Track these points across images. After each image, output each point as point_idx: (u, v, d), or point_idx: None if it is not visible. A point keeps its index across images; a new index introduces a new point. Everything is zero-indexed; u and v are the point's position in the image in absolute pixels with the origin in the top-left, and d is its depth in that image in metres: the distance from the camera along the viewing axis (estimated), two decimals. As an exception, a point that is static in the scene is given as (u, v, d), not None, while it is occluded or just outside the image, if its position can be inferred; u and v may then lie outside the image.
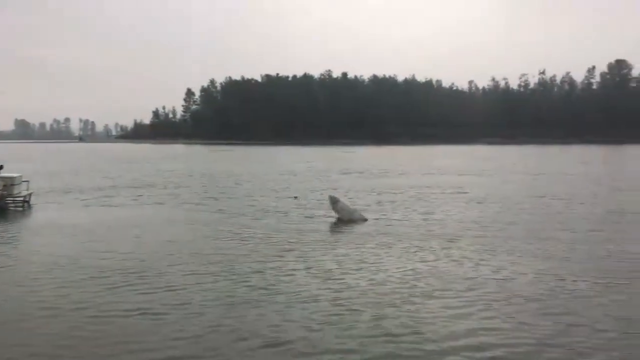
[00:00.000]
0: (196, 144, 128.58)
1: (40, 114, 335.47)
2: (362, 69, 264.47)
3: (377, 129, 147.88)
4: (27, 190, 17.33)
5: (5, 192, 16.14)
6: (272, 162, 47.85)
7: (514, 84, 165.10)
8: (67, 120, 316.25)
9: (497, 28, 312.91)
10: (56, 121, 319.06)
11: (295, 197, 15.62)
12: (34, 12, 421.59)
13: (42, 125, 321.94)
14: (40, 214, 15.45)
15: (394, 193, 20.42)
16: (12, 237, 12.11)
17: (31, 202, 17.19)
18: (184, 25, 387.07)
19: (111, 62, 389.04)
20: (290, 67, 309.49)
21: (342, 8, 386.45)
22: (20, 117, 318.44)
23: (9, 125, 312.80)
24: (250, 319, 6.48)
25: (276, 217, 14.18)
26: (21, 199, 16.76)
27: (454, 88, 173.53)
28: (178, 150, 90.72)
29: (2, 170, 16.73)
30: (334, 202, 14.04)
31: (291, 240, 11.21)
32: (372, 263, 9.23)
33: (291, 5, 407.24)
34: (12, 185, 16.45)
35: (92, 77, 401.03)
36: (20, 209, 16.47)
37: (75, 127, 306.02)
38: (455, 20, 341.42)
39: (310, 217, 14.27)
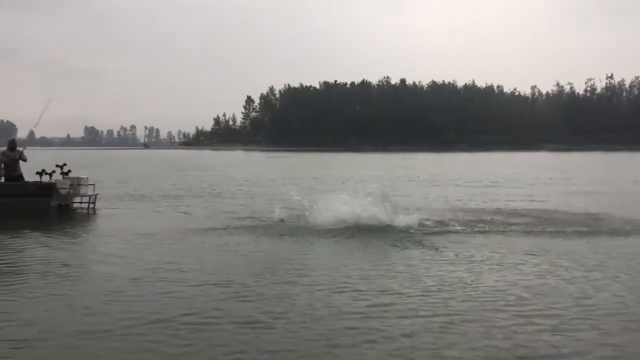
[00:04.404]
0: (255, 150, 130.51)
1: (108, 122, 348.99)
2: (421, 75, 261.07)
3: (435, 135, 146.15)
4: (93, 192, 17.90)
5: (71, 191, 16.71)
6: (336, 168, 47.85)
7: (579, 88, 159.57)
8: (133, 127, 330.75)
9: (562, 30, 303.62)
10: (123, 128, 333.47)
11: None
12: (91, 22, 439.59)
13: (110, 132, 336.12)
14: (109, 218, 15.72)
15: (469, 200, 19.94)
16: (82, 240, 12.62)
17: (97, 206, 17.67)
18: (243, 35, 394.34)
19: (174, 72, 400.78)
20: (349, 74, 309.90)
21: (399, 14, 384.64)
22: (89, 125, 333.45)
23: (79, 133, 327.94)
24: (355, 330, 6.35)
25: (367, 227, 13.37)
26: (87, 199, 17.35)
27: (516, 93, 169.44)
28: (238, 156, 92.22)
29: (69, 173, 17.27)
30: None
31: (380, 251, 11.02)
32: (459, 275, 8.94)
33: (348, 13, 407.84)
34: (79, 185, 17.12)
35: (156, 86, 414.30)
36: (86, 210, 17.10)
37: (140, 134, 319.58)
38: (517, 23, 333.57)
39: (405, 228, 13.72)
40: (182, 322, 6.62)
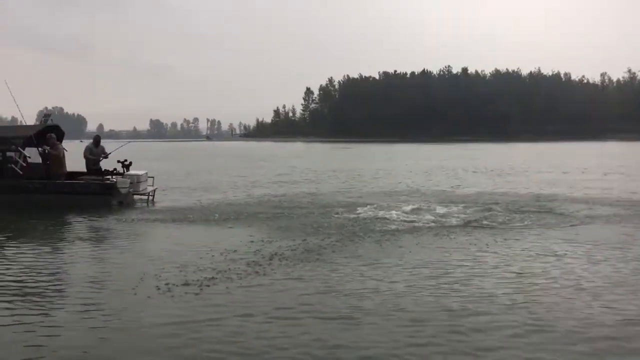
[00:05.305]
0: (314, 141, 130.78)
1: (171, 115, 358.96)
2: (484, 64, 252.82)
3: (499, 125, 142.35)
4: (152, 186, 18.29)
5: (132, 189, 17.06)
6: (399, 159, 47.31)
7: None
8: (195, 120, 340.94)
9: (633, 14, 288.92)
10: (186, 121, 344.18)
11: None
12: (162, 19, 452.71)
13: (174, 125, 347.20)
14: (175, 211, 15.59)
15: (542, 191, 19.13)
16: (154, 232, 12.73)
17: (166, 198, 18.06)
18: (302, 27, 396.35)
19: (236, 65, 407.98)
20: (409, 63, 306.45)
21: (463, 1, 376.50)
22: (154, 118, 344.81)
23: (144, 126, 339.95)
24: (445, 329, 6.10)
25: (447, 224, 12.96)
26: (146, 195, 17.80)
27: (585, 81, 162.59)
28: (299, 147, 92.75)
29: (130, 167, 17.64)
30: None
31: (461, 246, 10.58)
32: (549, 272, 8.48)
33: (407, 2, 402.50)
34: (139, 182, 17.48)
35: (218, 79, 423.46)
36: (146, 203, 17.46)
37: (203, 126, 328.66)
38: (584, 6, 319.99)
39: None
40: (269, 316, 6.54)
